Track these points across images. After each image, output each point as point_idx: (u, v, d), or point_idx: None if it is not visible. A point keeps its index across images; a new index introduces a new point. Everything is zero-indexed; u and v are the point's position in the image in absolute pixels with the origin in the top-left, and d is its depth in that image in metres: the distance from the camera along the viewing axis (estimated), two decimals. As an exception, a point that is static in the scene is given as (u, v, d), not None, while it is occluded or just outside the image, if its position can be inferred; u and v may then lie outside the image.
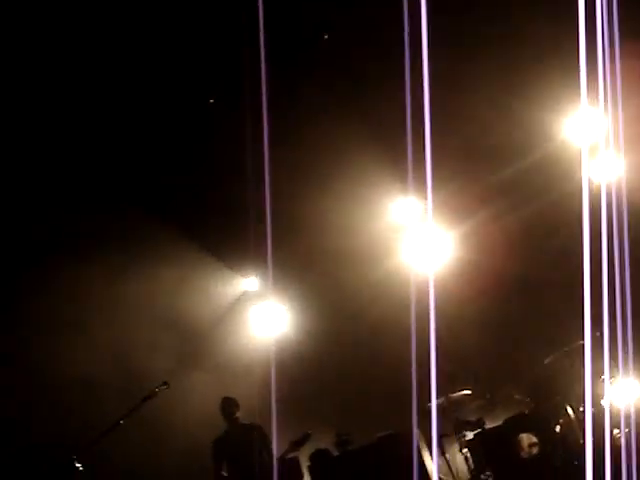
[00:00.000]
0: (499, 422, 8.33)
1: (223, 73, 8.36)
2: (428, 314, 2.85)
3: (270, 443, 7.83)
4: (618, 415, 7.86)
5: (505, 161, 9.41)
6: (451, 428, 8.37)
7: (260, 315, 10.17)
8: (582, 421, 8.06)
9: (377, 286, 9.62)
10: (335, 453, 8.44)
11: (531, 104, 8.86)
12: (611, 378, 7.91)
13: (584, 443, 7.29)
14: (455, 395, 8.54)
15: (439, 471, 8.26)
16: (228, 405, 8.19)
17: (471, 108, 8.86)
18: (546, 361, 8.49)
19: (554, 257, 9.56)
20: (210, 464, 8.12)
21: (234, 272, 10.20)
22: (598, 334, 8.19)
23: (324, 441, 8.80)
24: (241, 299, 10.34)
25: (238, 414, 8.17)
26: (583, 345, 7.94)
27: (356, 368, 9.88)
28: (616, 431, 7.78)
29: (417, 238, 9.74)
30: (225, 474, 8.03)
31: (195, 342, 9.61)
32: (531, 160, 9.28)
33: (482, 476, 8.03)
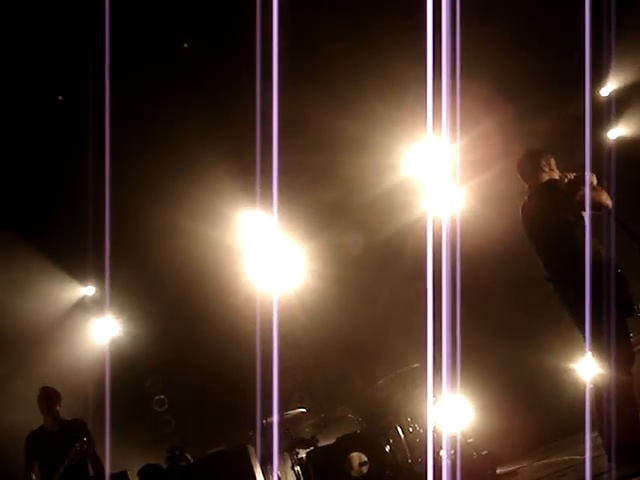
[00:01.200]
0: (332, 440, 8.46)
1: (70, 72, 8.09)
2: (268, 331, 2.86)
3: (93, 443, 7.17)
4: (443, 436, 8.20)
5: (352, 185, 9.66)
6: (285, 445, 8.40)
7: (96, 323, 9.93)
8: (411, 441, 8.33)
9: (218, 299, 9.58)
10: (165, 468, 8.26)
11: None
12: (434, 399, 8.28)
13: (412, 463, 7.56)
14: (291, 412, 8.59)
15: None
16: (46, 395, 7.37)
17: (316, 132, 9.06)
18: (379, 382, 8.72)
19: (400, 279, 9.89)
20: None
21: (73, 278, 9.89)
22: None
23: (155, 455, 8.64)
24: (78, 305, 10.04)
25: (58, 408, 7.40)
26: (415, 368, 8.24)
27: (196, 379, 9.82)
28: (442, 452, 8.10)
29: (262, 252, 9.83)
30: (34, 477, 7.21)
31: (25, 347, 9.17)
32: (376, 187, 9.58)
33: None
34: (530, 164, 5.87)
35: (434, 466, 7.86)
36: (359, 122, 8.94)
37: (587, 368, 8.20)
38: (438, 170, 9.48)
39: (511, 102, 9.04)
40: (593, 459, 5.40)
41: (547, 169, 5.83)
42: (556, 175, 5.83)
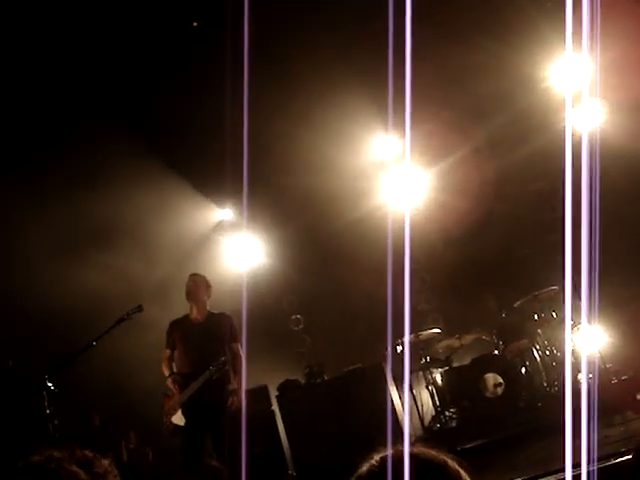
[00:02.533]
0: (466, 362, 8.48)
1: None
2: (404, 253, 2.86)
3: (237, 350, 6.65)
4: (582, 361, 8.03)
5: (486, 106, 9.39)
6: (419, 365, 8.50)
7: (234, 246, 10.23)
8: (547, 364, 8.24)
9: (355, 222, 9.63)
10: (303, 383, 8.56)
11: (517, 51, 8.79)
12: (575, 325, 8.09)
13: (548, 386, 7.49)
14: (425, 333, 8.66)
15: (403, 406, 8.42)
16: (194, 282, 6.88)
17: (459, 54, 8.79)
18: (515, 304, 8.60)
19: (532, 203, 9.62)
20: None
21: (211, 201, 10.18)
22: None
23: (295, 371, 8.95)
24: (216, 228, 10.35)
25: (207, 298, 6.88)
26: (552, 291, 8.08)
27: (332, 303, 10.00)
28: (579, 375, 7.96)
29: (396, 176, 9.78)
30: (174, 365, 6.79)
31: (168, 267, 9.56)
32: (514, 106, 9.25)
33: (447, 413, 8.21)
34: None
35: (572, 390, 7.76)
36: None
37: None
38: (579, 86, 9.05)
39: None
40: None
41: None
42: None
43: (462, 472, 1.65)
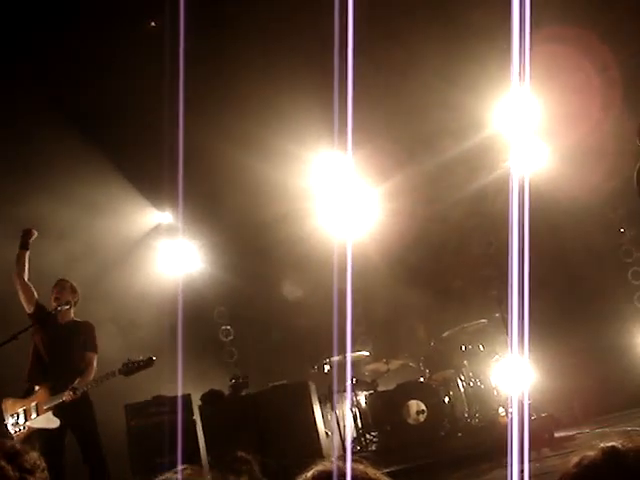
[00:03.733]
0: (392, 386, 8.52)
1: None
2: (339, 272, 2.87)
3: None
4: (503, 395, 8.16)
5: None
6: (344, 386, 8.51)
7: (171, 249, 10.13)
8: (470, 396, 8.34)
9: (296, 240, 9.62)
10: (227, 395, 8.49)
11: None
12: (498, 356, 8.24)
13: (469, 417, 7.56)
14: (353, 355, 8.68)
15: (326, 426, 8.41)
16: (61, 285, 6.81)
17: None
18: (444, 335, 8.70)
19: (469, 237, 9.78)
20: None
21: (150, 204, 10.04)
22: (497, 315, 8.42)
23: (221, 382, 8.87)
24: (154, 230, 10.23)
25: (71, 300, 6.73)
26: (481, 324, 8.17)
27: (264, 316, 9.96)
28: (500, 410, 8.08)
29: (339, 195, 9.84)
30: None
31: (99, 267, 9.36)
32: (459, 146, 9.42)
33: (367, 435, 8.22)
34: None
35: (491, 423, 7.87)
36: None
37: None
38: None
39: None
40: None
41: None
42: None
43: None
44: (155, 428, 7.50)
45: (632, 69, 8.56)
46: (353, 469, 1.66)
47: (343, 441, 8.31)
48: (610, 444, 1.54)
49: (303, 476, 1.70)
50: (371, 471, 1.68)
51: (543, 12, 6.41)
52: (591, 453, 1.54)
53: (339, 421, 8.40)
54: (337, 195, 9.89)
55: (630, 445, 1.51)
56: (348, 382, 8.42)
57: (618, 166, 6.87)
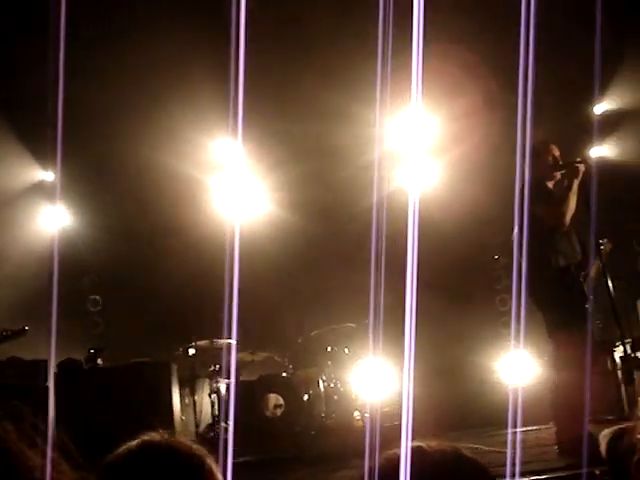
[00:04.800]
0: (254, 377, 8.54)
1: None
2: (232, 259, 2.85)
3: None
4: (365, 399, 8.33)
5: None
6: (206, 372, 8.46)
7: (47, 211, 9.80)
8: (329, 396, 8.46)
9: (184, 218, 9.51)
10: (85, 366, 8.27)
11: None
12: (361, 361, 8.42)
13: (325, 417, 7.65)
14: (220, 341, 8.64)
15: (183, 410, 8.34)
16: None
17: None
18: (313, 333, 8.81)
19: (351, 242, 9.93)
20: None
21: (35, 160, 9.67)
22: (366, 322, 8.53)
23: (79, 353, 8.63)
24: (35, 188, 9.86)
25: None
26: (349, 327, 8.27)
27: (135, 289, 9.78)
28: (356, 413, 8.25)
29: (229, 182, 9.80)
30: None
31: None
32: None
33: (222, 424, 8.20)
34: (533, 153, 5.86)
35: (346, 425, 8.02)
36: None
37: (515, 367, 8.43)
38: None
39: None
40: (500, 452, 5.57)
41: (549, 161, 5.87)
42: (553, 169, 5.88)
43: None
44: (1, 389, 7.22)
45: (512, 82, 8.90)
46: (179, 442, 1.67)
47: (197, 427, 8.26)
48: (417, 443, 1.63)
49: (128, 444, 1.69)
50: (197, 447, 1.69)
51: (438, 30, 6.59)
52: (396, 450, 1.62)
53: (196, 407, 8.34)
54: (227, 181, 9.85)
55: (436, 447, 1.61)
56: (210, 368, 8.38)
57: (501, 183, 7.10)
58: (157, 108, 8.92)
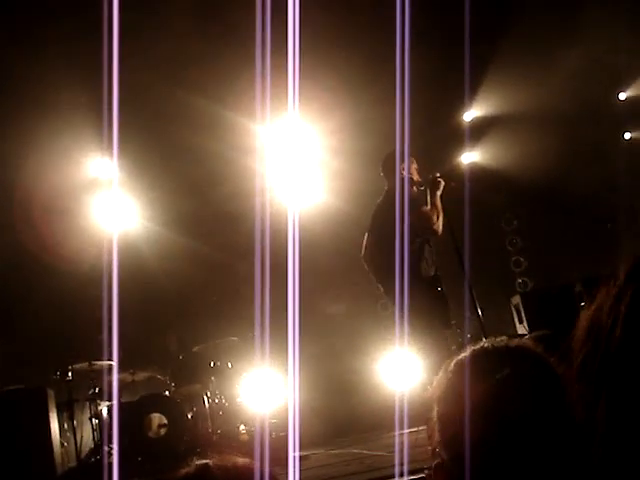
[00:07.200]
0: (136, 398, 8.34)
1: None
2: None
3: None
4: (247, 412, 8.29)
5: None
6: (86, 395, 8.20)
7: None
8: (214, 412, 8.37)
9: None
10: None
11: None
12: (246, 374, 8.39)
13: (211, 434, 7.56)
14: (99, 363, 8.38)
15: (63, 436, 8.05)
16: None
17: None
18: (194, 349, 8.69)
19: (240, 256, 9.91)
20: None
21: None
22: (251, 335, 8.53)
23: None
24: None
25: None
26: (232, 341, 8.26)
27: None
28: (242, 427, 8.20)
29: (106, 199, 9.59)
30: None
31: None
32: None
33: (106, 447, 7.95)
34: (388, 165, 6.01)
35: (232, 440, 7.96)
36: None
37: (398, 373, 8.61)
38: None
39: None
40: (382, 455, 5.67)
41: (402, 174, 6.00)
42: (413, 179, 6.04)
43: None
44: None
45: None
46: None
47: (78, 453, 7.97)
48: (203, 461, 1.61)
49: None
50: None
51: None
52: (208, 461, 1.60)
53: (76, 432, 8.05)
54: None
55: (220, 463, 1.59)
56: (90, 391, 8.12)
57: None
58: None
